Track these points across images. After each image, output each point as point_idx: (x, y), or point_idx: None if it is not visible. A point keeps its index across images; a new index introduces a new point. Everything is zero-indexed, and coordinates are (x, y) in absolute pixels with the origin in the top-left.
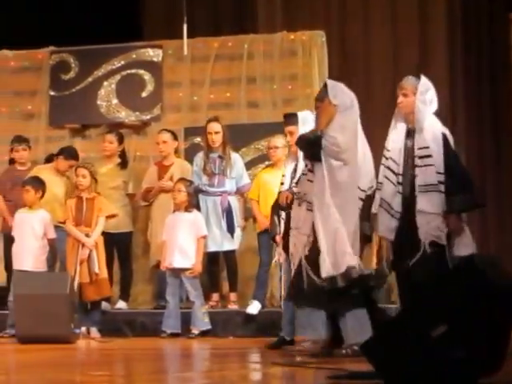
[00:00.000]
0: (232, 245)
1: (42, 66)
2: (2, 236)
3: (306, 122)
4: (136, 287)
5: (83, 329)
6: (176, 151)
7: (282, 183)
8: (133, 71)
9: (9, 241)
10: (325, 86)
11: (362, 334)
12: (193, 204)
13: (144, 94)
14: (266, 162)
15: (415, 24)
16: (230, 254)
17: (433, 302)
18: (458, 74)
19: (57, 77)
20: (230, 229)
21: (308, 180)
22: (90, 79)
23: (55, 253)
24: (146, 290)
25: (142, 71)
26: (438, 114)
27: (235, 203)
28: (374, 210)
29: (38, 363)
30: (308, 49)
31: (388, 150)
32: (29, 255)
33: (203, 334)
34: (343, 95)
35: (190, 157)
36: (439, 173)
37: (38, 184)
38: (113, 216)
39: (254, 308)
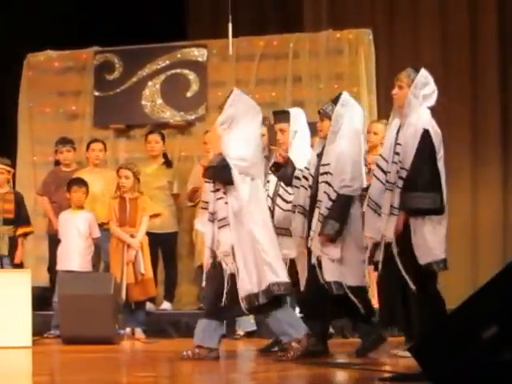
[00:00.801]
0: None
1: (86, 66)
2: (47, 237)
3: (298, 119)
4: (181, 288)
5: (128, 329)
6: None
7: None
8: (177, 71)
9: (54, 242)
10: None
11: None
12: None
13: (189, 94)
14: None
15: (465, 25)
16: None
17: (484, 303)
18: (510, 78)
19: (101, 77)
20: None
21: (225, 202)
22: (134, 79)
23: (99, 252)
24: (191, 291)
25: (186, 71)
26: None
27: None
28: (363, 209)
29: (82, 364)
30: (354, 47)
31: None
32: (75, 255)
33: (248, 334)
34: (234, 107)
35: None
36: (403, 169)
37: (85, 184)
38: (157, 215)
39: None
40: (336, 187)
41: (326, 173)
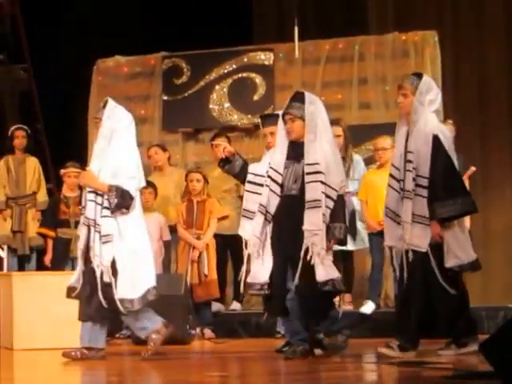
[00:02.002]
0: (352, 246)
1: (155, 71)
2: None
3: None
4: None
5: (198, 330)
6: None
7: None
8: (244, 75)
9: None
10: None
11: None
12: None
13: (256, 97)
14: (378, 163)
15: None
16: (347, 255)
17: None
18: None
19: (169, 81)
20: (352, 230)
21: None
22: (202, 83)
23: (170, 255)
24: None
25: (253, 74)
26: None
27: (357, 205)
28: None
29: (153, 364)
30: (420, 49)
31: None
32: None
33: None
34: (112, 119)
35: None
36: (421, 176)
37: (151, 185)
38: (224, 217)
39: (368, 308)
40: (336, 186)
41: (316, 172)
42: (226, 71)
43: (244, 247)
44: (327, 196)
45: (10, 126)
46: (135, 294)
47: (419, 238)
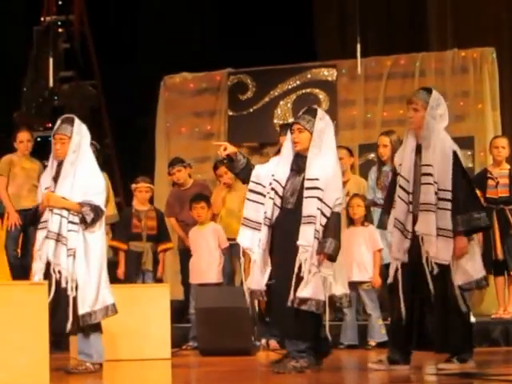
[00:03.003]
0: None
1: (220, 87)
2: (178, 253)
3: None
4: None
5: (263, 341)
6: (351, 167)
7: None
8: (308, 90)
9: (184, 257)
10: None
11: None
12: (368, 218)
13: None
14: None
15: None
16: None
17: None
18: None
19: (235, 97)
20: None
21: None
22: (266, 99)
23: (234, 266)
24: None
25: (316, 90)
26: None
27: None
28: (389, 228)
29: (219, 375)
30: (479, 65)
31: (400, 165)
32: (207, 268)
33: (380, 345)
34: (77, 136)
35: (364, 173)
36: (444, 190)
37: (203, 198)
38: None
39: None
40: (331, 203)
41: (314, 187)
42: (290, 87)
43: (241, 255)
44: (321, 213)
45: None
46: (97, 306)
47: (443, 251)
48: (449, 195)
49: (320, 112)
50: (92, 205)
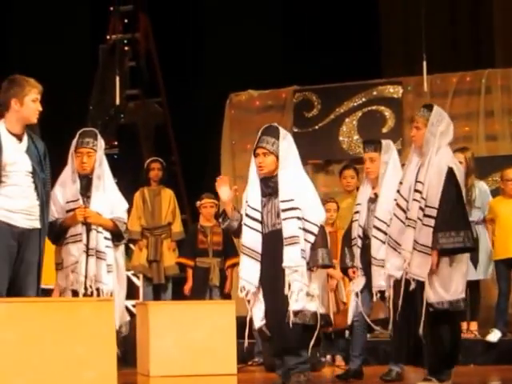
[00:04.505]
0: (478, 275)
1: (286, 104)
2: None
3: (389, 150)
4: None
5: (328, 357)
6: None
7: (356, 212)
8: (373, 108)
9: None
10: None
11: None
12: None
13: (384, 130)
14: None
15: None
16: (473, 283)
17: None
18: None
19: (300, 114)
20: (476, 259)
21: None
22: (332, 116)
23: None
24: None
25: (382, 107)
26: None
27: (484, 233)
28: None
29: None
30: None
31: (400, 183)
32: None
33: None
34: (100, 150)
35: None
36: (430, 207)
37: None
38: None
39: (494, 336)
40: (317, 222)
41: (291, 208)
42: (355, 104)
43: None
44: (307, 231)
45: (146, 159)
46: (123, 321)
47: (420, 267)
48: (434, 212)
49: (282, 131)
50: (125, 222)
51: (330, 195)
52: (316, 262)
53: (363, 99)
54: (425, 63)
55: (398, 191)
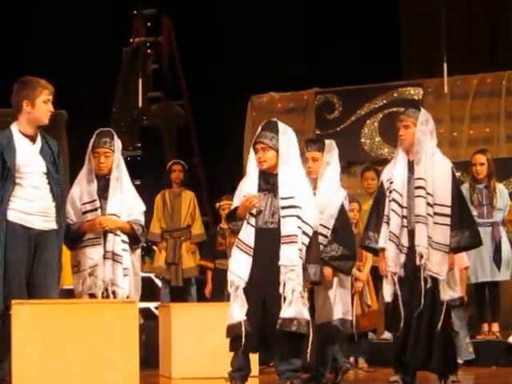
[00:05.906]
0: (500, 276)
1: (308, 106)
2: None
3: (331, 149)
4: None
5: (351, 359)
6: None
7: None
8: (394, 109)
9: None
10: None
11: None
12: None
13: None
14: None
15: None
16: (494, 284)
17: None
18: None
19: (322, 116)
20: (499, 260)
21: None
22: (353, 118)
23: None
24: None
25: (403, 109)
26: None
27: (504, 234)
28: (381, 244)
29: None
30: None
31: (391, 183)
32: None
33: (467, 363)
34: (118, 151)
35: None
36: (443, 205)
37: None
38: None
39: None
40: (312, 223)
41: (291, 206)
42: (376, 106)
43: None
44: (303, 232)
45: (168, 161)
46: None
47: (439, 266)
48: (448, 211)
49: (281, 126)
50: (142, 225)
51: (353, 196)
52: (309, 276)
53: (384, 101)
54: (445, 65)
55: (393, 189)
